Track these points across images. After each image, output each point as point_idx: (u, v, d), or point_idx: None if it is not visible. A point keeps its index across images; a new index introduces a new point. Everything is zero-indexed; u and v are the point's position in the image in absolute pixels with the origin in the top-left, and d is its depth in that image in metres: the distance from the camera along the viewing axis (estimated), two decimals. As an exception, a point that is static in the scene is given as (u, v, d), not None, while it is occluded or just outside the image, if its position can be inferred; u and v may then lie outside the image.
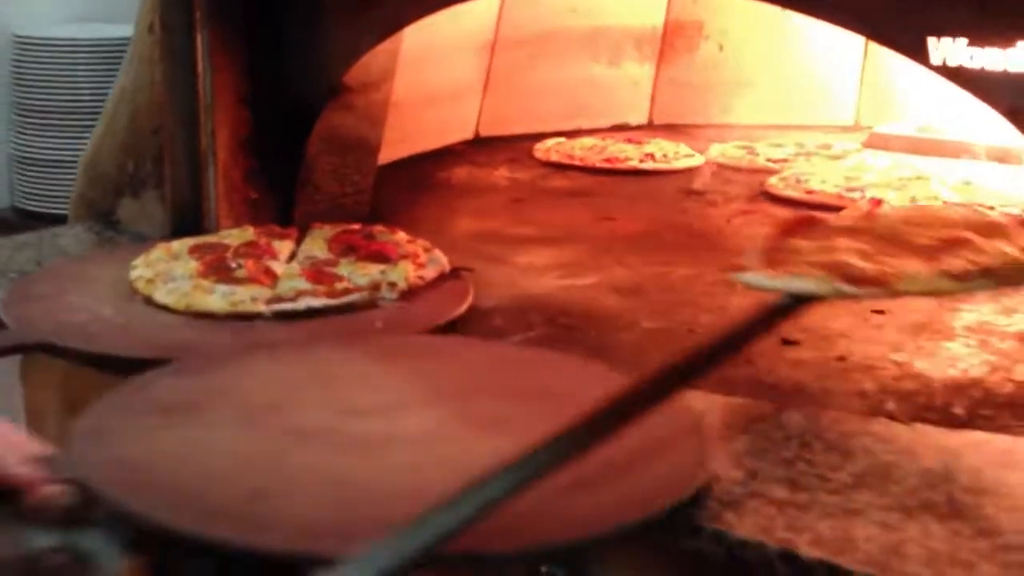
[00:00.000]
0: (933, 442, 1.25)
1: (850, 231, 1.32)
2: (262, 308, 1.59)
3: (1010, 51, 1.39)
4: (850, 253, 1.25)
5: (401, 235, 1.84)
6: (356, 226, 1.88)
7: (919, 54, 1.45)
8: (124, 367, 1.50)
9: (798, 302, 1.19)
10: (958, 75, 1.44)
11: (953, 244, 1.25)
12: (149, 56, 1.96)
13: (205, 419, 1.25)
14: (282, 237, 1.82)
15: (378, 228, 1.87)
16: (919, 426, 1.31)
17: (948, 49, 1.43)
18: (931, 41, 1.43)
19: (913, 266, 1.20)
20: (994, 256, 1.21)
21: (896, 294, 1.18)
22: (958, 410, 1.36)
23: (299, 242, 1.82)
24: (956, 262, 1.20)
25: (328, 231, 1.85)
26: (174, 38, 1.87)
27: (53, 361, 1.76)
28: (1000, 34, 1.39)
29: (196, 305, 1.59)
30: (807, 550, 1.04)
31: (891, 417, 1.34)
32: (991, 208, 1.37)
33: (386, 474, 1.13)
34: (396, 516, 0.94)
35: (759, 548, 1.05)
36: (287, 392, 1.32)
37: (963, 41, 1.42)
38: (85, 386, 1.83)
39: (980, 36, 1.41)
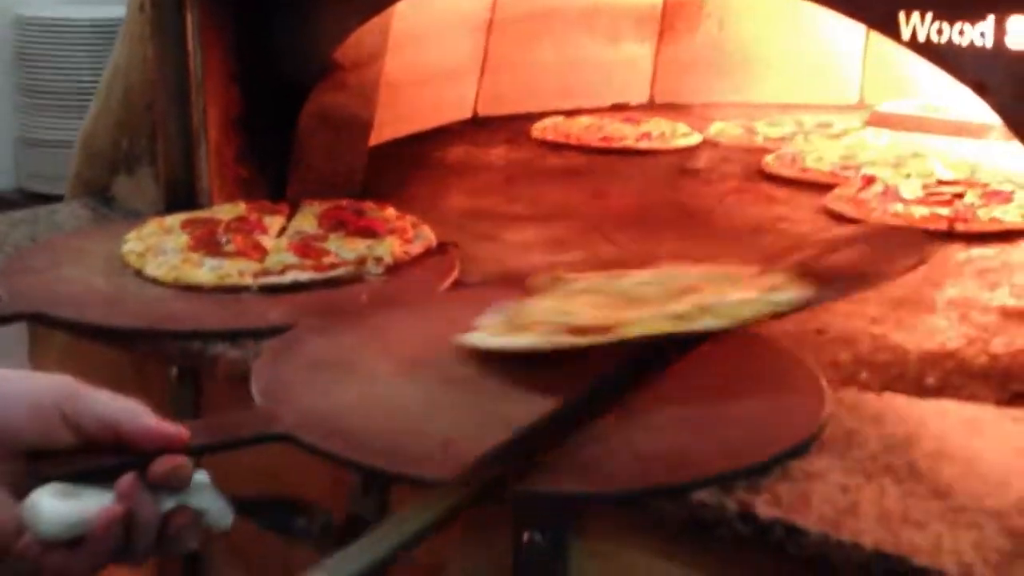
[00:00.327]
0: (900, 410, 1.28)
1: (587, 291, 1.45)
2: (248, 281, 1.62)
3: (978, 25, 1.40)
4: (582, 309, 1.36)
5: (390, 211, 1.87)
6: (345, 202, 1.90)
7: (891, 29, 1.46)
8: (114, 337, 1.55)
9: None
10: (928, 49, 1.45)
11: (682, 293, 1.36)
12: (141, 34, 1.98)
13: (366, 373, 1.34)
14: (273, 213, 1.85)
15: (368, 204, 1.90)
16: (888, 395, 1.33)
17: (918, 24, 1.44)
18: (901, 16, 1.45)
19: (636, 314, 1.29)
20: (718, 299, 1.30)
21: (619, 338, 1.25)
22: (930, 380, 1.39)
23: (290, 218, 1.85)
24: (679, 306, 1.29)
25: (318, 207, 1.88)
26: (164, 15, 1.89)
27: (52, 335, 1.80)
28: (968, 9, 1.41)
29: (184, 278, 1.62)
30: (764, 509, 1.07)
31: (863, 387, 1.36)
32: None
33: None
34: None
35: (719, 509, 1.08)
36: (427, 346, 1.39)
37: (932, 16, 1.43)
38: (84, 355, 1.87)
39: (948, 11, 1.42)
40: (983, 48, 1.41)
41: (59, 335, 1.83)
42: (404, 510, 0.99)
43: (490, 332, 1.35)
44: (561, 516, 1.23)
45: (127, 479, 0.99)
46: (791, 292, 1.32)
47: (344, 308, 1.56)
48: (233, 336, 1.47)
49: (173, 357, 1.55)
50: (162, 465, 1.01)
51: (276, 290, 1.61)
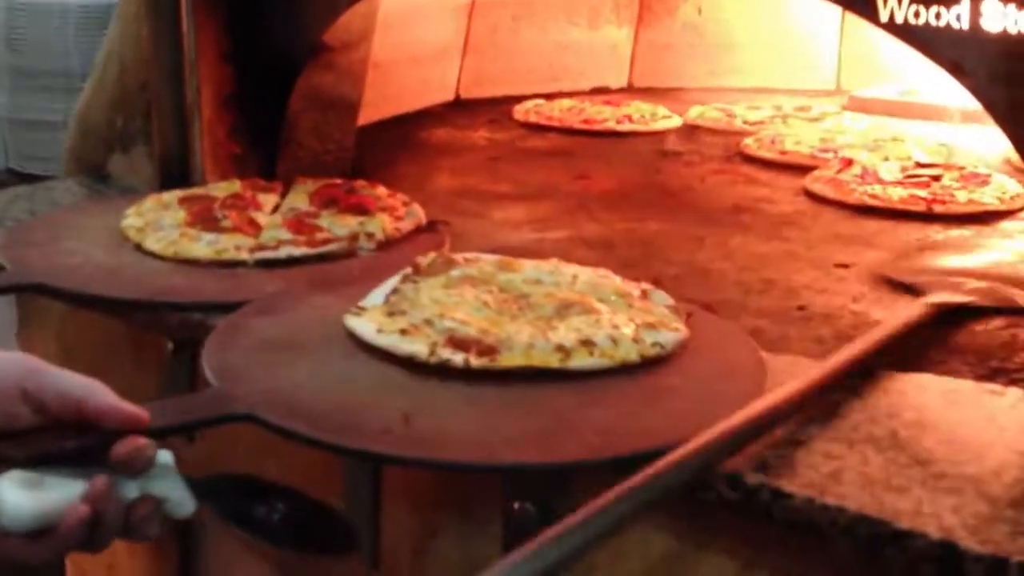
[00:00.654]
0: (882, 383, 1.31)
1: (477, 280, 1.46)
2: (244, 256, 1.65)
3: (954, 8, 1.44)
4: (468, 308, 1.38)
5: (381, 189, 1.90)
6: (339, 180, 1.93)
7: (868, 11, 1.50)
8: (115, 308, 1.58)
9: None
10: (905, 31, 1.49)
11: (566, 307, 1.39)
12: (135, 14, 2.00)
13: (318, 355, 1.35)
14: (267, 190, 1.88)
15: (360, 183, 1.93)
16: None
17: (895, 6, 1.48)
18: (879, -1, 1.48)
19: (522, 335, 1.31)
20: (601, 327, 1.33)
21: (499, 368, 1.28)
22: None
23: (283, 195, 1.88)
24: (564, 332, 1.32)
25: (311, 185, 1.91)
26: (159, -6, 1.91)
27: (50, 305, 1.82)
28: (944, -9, 1.45)
29: (182, 252, 1.65)
30: (751, 475, 1.10)
31: (844, 361, 1.39)
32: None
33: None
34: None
35: (707, 473, 1.11)
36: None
37: (909, -1, 1.47)
38: (80, 330, 1.90)
39: (926, -7, 1.46)
40: (959, 30, 1.44)
41: (53, 312, 1.86)
42: (601, 500, 1.00)
43: (373, 321, 1.36)
44: (550, 486, 1.26)
45: (101, 480, 0.98)
46: (668, 333, 1.35)
47: (336, 281, 1.59)
48: (230, 308, 1.49)
49: (172, 328, 1.57)
50: (125, 447, 1.00)
51: (271, 264, 1.64)
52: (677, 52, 3.26)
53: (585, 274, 1.50)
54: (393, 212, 1.80)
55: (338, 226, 1.74)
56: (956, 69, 1.46)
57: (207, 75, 1.95)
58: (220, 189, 1.87)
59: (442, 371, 1.28)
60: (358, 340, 1.36)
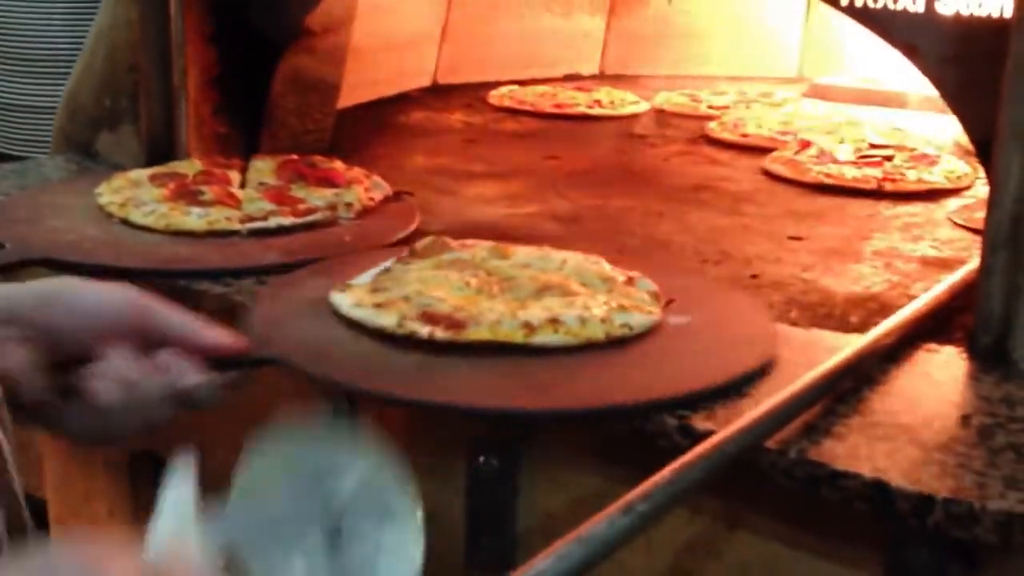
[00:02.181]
0: (826, 342, 1.40)
1: (467, 263, 1.51)
2: (238, 226, 1.72)
3: (909, -9, 1.51)
4: (450, 288, 1.43)
5: (339, 164, 1.97)
6: (295, 156, 1.99)
7: (830, -5, 1.57)
8: (119, 277, 1.62)
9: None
10: (864, 15, 1.56)
11: (545, 289, 1.43)
12: (125, -2, 2.06)
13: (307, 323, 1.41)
14: (227, 167, 1.94)
15: (317, 158, 1.99)
16: (815, 330, 1.45)
17: (855, -10, 1.55)
18: (840, -18, 1.55)
19: (493, 313, 1.36)
20: (573, 307, 1.37)
21: (464, 340, 1.32)
22: (854, 319, 1.50)
23: (243, 171, 1.94)
24: (535, 311, 1.36)
25: (270, 161, 1.97)
26: (147, -25, 1.96)
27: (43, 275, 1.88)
28: (901, -27, 1.51)
29: (176, 224, 1.71)
30: (700, 423, 1.18)
31: (793, 323, 1.48)
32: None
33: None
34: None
35: (660, 423, 1.19)
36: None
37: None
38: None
39: (884, -24, 1.53)
40: (915, 13, 1.51)
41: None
42: (656, 478, 1.03)
43: (355, 297, 1.40)
44: (513, 440, 1.34)
45: None
46: (639, 315, 1.38)
47: (331, 247, 1.67)
48: (237, 275, 1.58)
49: (182, 296, 1.57)
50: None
51: (262, 234, 1.71)
52: (647, 41, 3.33)
53: (574, 260, 1.53)
54: (360, 184, 1.88)
55: (315, 197, 1.81)
56: (911, 51, 1.52)
57: (193, 57, 2.00)
58: (183, 167, 1.93)
59: (421, 346, 1.32)
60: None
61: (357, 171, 1.94)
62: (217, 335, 1.14)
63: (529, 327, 1.32)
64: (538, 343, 1.32)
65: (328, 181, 1.88)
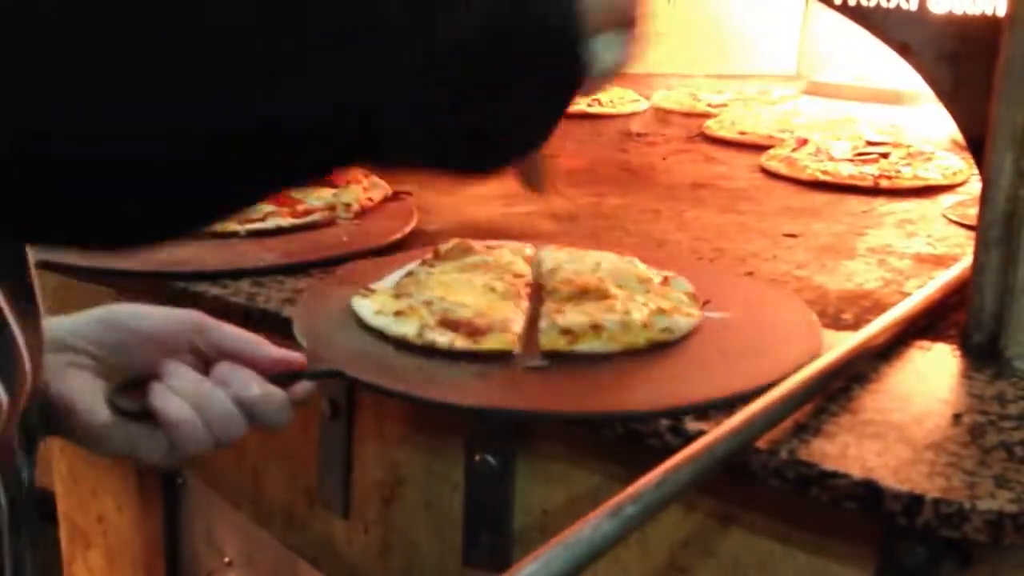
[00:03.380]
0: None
1: (491, 266, 1.50)
2: (237, 227, 1.72)
3: (903, -11, 1.51)
4: (475, 292, 1.41)
5: None
6: None
7: (823, -7, 1.57)
8: (120, 280, 1.65)
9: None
10: (857, 14, 1.57)
11: (582, 292, 1.41)
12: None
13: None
14: None
15: None
16: (808, 327, 1.45)
17: (848, -12, 1.55)
18: (834, -20, 1.55)
19: (519, 318, 1.35)
20: (614, 313, 1.35)
21: (487, 349, 1.30)
22: (847, 316, 1.50)
23: None
24: (572, 315, 1.35)
25: None
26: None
27: (44, 276, 1.88)
28: (894, -29, 1.52)
29: (172, 226, 1.72)
30: (691, 424, 1.18)
31: (786, 321, 1.48)
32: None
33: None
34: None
35: (652, 421, 1.20)
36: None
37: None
38: (74, 303, 1.96)
39: (877, -26, 1.53)
40: (908, 11, 1.52)
41: (45, 287, 1.93)
42: (645, 480, 1.02)
43: (378, 303, 1.39)
44: (510, 438, 1.35)
45: None
46: (678, 319, 1.37)
47: (330, 248, 1.68)
48: (237, 276, 1.58)
49: (180, 299, 1.59)
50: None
51: (260, 235, 1.72)
52: (647, 39, 3.32)
53: (609, 260, 1.52)
54: (359, 184, 1.89)
55: (312, 197, 1.82)
56: (904, 50, 1.52)
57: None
58: None
59: (445, 354, 1.30)
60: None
61: (356, 171, 1.94)
62: (276, 351, 1.15)
63: (570, 334, 1.31)
64: (580, 351, 1.30)
65: (326, 181, 1.88)
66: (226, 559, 1.76)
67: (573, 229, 1.86)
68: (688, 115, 2.78)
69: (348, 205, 1.81)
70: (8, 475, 0.96)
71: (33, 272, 0.98)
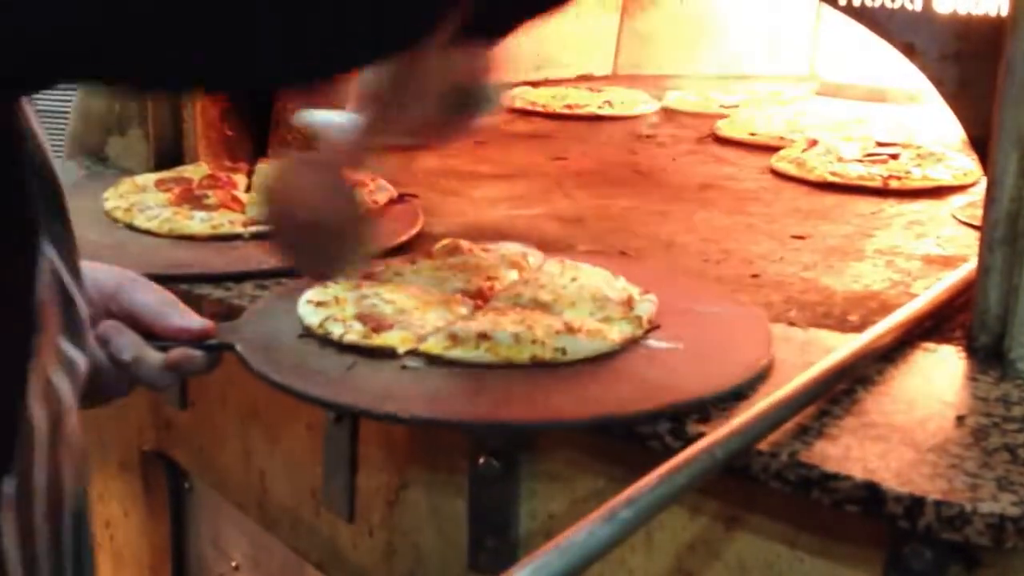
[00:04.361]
0: (823, 342, 1.40)
1: (469, 266, 1.50)
2: (240, 230, 1.73)
3: (907, -11, 1.51)
4: (421, 291, 1.42)
5: None
6: None
7: (829, -4, 1.56)
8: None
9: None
10: (861, 14, 1.57)
11: (534, 304, 1.41)
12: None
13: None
14: (233, 171, 1.96)
15: None
16: (812, 330, 1.45)
17: (852, -11, 1.54)
18: (839, -19, 1.54)
19: (429, 321, 1.34)
20: (519, 325, 1.33)
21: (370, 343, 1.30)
22: (853, 318, 1.50)
23: (250, 175, 1.96)
24: (481, 323, 1.34)
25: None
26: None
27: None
28: (899, -28, 1.51)
29: (179, 229, 1.73)
30: (692, 427, 1.18)
31: (791, 323, 1.48)
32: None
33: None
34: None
35: (652, 423, 1.20)
36: None
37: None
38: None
39: (881, -25, 1.52)
40: (912, 11, 1.51)
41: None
42: (642, 484, 1.02)
43: (314, 293, 1.39)
44: (514, 443, 1.35)
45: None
46: (581, 341, 1.31)
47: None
48: (238, 279, 1.59)
49: (189, 299, 1.56)
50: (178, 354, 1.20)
51: (265, 237, 1.70)
52: (659, 40, 3.34)
53: (588, 275, 1.49)
54: (364, 187, 1.88)
55: (318, 199, 1.81)
56: (909, 50, 1.52)
57: (199, 61, 2.00)
58: (190, 171, 1.94)
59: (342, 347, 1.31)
60: None
61: (361, 174, 1.94)
62: (178, 319, 1.20)
63: (455, 339, 1.29)
64: (452, 357, 1.28)
65: (332, 184, 1.88)
66: (233, 563, 1.76)
67: (578, 232, 1.85)
68: (700, 116, 2.77)
69: (353, 207, 1.79)
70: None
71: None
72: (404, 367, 1.28)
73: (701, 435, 1.13)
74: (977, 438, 1.16)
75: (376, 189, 1.89)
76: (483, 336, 1.29)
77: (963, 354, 1.37)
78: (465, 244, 1.57)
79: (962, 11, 1.49)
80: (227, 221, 1.74)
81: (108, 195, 1.86)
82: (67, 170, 2.14)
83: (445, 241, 1.57)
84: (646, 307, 1.41)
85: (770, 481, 1.13)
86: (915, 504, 1.06)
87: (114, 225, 1.78)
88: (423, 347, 1.29)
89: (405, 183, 1.96)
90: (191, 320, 1.22)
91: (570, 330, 1.32)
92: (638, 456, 1.18)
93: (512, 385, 1.25)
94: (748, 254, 1.76)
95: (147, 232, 1.74)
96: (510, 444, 1.29)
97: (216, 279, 1.58)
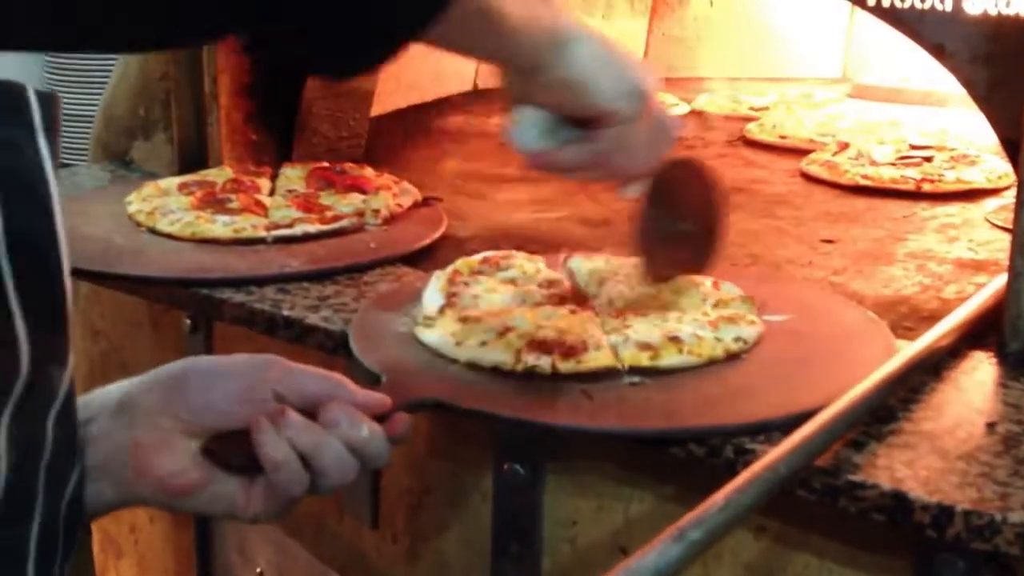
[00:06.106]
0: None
1: (520, 280, 1.49)
2: (263, 233, 1.72)
3: (937, -11, 1.49)
4: (536, 310, 1.39)
5: (369, 171, 1.98)
6: (326, 164, 2.00)
7: (858, -4, 1.55)
8: (141, 286, 1.65)
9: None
10: (891, 15, 1.54)
11: (645, 304, 1.40)
12: (157, 8, 2.06)
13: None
14: (257, 175, 1.95)
15: (348, 165, 2.00)
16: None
17: (883, -9, 1.52)
18: (868, -18, 1.53)
19: (599, 335, 1.31)
20: (682, 323, 1.33)
21: (586, 369, 1.27)
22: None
23: (273, 179, 1.96)
24: (645, 329, 1.32)
25: (300, 169, 1.98)
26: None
27: (75, 287, 1.89)
28: (928, -28, 1.50)
29: (202, 232, 1.72)
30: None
31: (819, 329, 1.46)
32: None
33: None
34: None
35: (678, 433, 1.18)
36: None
37: (895, -20, 1.51)
38: (105, 310, 1.97)
39: (911, -26, 1.51)
40: (943, 12, 1.48)
41: (78, 294, 1.93)
42: (709, 503, 0.98)
43: (447, 330, 1.35)
44: (539, 449, 1.33)
45: None
46: (746, 328, 1.35)
47: (356, 254, 1.67)
48: (261, 283, 1.57)
49: (204, 305, 1.60)
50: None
51: (288, 241, 1.71)
52: (689, 42, 3.32)
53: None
54: (388, 190, 1.88)
55: (342, 204, 1.82)
56: (939, 51, 1.50)
57: (224, 65, 2.01)
58: (213, 175, 1.94)
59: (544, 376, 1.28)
60: None
61: (386, 177, 1.94)
62: (362, 393, 1.11)
63: (651, 349, 1.28)
64: (665, 366, 1.27)
65: (357, 187, 1.88)
66: (257, 569, 1.75)
67: (604, 235, 1.83)
68: (730, 119, 2.75)
69: (377, 211, 1.79)
70: None
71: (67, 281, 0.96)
72: (631, 384, 1.26)
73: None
74: (1008, 446, 1.14)
75: (400, 193, 1.88)
76: (674, 340, 1.29)
77: (994, 360, 1.34)
78: (494, 254, 1.56)
79: (992, 12, 1.46)
80: (249, 225, 1.73)
81: (131, 199, 1.86)
82: (89, 174, 2.15)
83: (479, 256, 1.55)
84: (732, 288, 1.46)
85: (795, 490, 1.11)
86: (943, 513, 1.04)
87: (137, 229, 1.78)
88: (627, 360, 1.28)
89: (430, 186, 1.95)
90: (370, 392, 1.13)
91: (728, 320, 1.35)
92: (663, 463, 1.17)
93: (709, 387, 1.26)
94: (776, 258, 1.75)
95: (169, 236, 1.74)
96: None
97: (238, 283, 1.58)
